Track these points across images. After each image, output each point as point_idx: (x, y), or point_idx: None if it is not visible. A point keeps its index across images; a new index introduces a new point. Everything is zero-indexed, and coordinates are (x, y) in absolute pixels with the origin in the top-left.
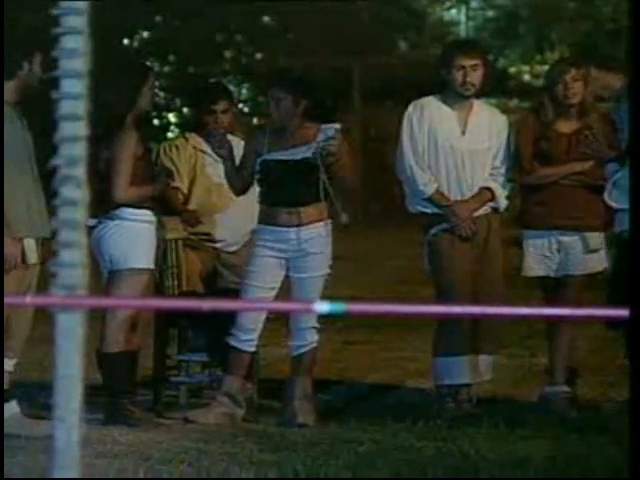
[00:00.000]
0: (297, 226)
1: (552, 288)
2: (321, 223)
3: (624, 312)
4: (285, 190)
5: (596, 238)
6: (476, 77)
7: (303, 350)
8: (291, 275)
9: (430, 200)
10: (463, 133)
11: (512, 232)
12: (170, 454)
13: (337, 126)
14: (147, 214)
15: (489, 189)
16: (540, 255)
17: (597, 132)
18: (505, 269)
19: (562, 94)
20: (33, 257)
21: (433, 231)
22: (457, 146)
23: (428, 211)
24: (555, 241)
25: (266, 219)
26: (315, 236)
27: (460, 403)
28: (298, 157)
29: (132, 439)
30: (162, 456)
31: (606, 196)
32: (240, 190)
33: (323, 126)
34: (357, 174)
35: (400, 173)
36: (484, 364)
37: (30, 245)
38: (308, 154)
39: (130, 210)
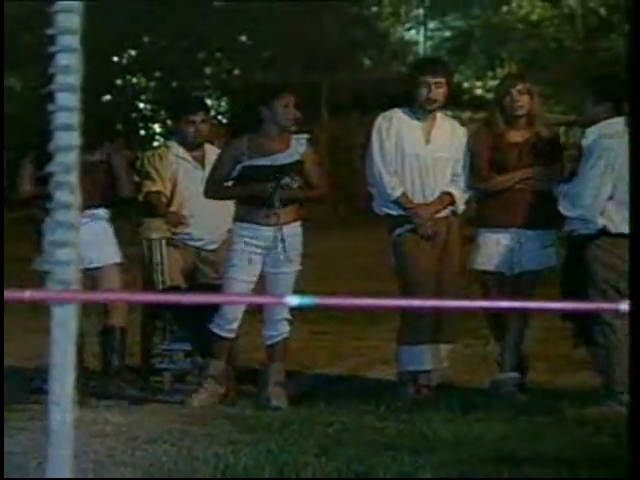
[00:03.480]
0: (275, 225)
1: (496, 285)
2: (296, 223)
3: (581, 305)
4: (266, 192)
5: (547, 235)
6: (439, 93)
7: (276, 340)
8: (267, 270)
9: (396, 203)
10: (427, 142)
11: (470, 232)
12: (155, 434)
13: (306, 136)
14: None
15: (449, 194)
16: (490, 251)
17: (545, 140)
18: (464, 266)
19: (510, 106)
20: None
21: (398, 231)
22: (422, 154)
23: (394, 213)
24: (507, 238)
25: (246, 218)
26: (291, 235)
27: (420, 388)
28: (278, 163)
29: (121, 420)
30: (148, 436)
31: (560, 207)
32: (212, 192)
33: (294, 136)
34: (325, 181)
35: (369, 178)
36: (443, 352)
37: None
38: (286, 160)
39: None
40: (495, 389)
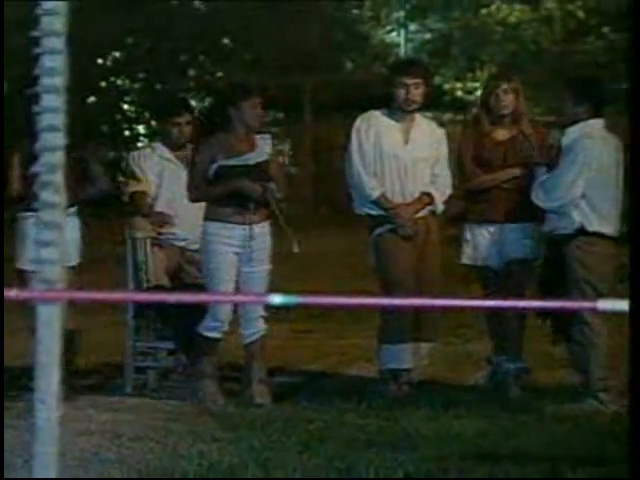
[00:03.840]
0: (248, 224)
1: (491, 279)
2: (266, 222)
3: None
4: (237, 192)
5: (531, 227)
6: (417, 94)
7: (255, 337)
8: (241, 269)
9: (375, 203)
10: (406, 143)
11: (452, 231)
12: (140, 432)
13: (267, 136)
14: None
15: (429, 194)
16: (478, 244)
17: (530, 138)
18: (446, 265)
19: (496, 106)
20: None
21: (378, 231)
22: (401, 155)
23: (374, 213)
24: (489, 232)
25: (220, 217)
26: (262, 234)
27: (400, 386)
28: (251, 162)
29: (106, 418)
30: (133, 434)
31: (533, 196)
32: (196, 195)
33: (258, 136)
34: (285, 181)
35: (349, 178)
36: (423, 351)
37: None
38: (258, 159)
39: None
40: (496, 384)
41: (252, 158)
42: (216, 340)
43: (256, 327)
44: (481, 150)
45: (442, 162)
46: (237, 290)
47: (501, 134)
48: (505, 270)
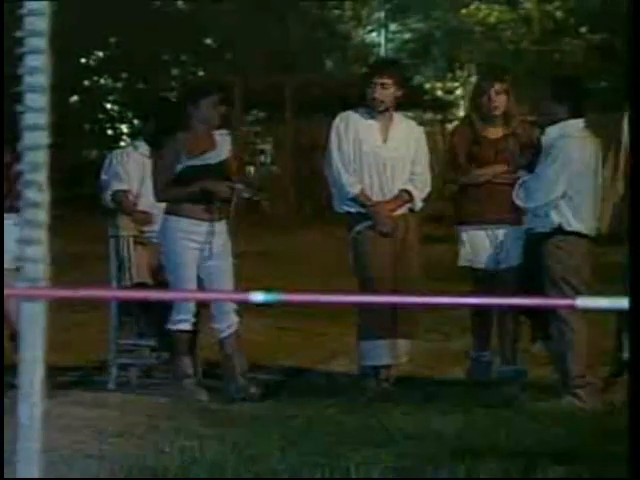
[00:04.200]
0: (212, 221)
1: (484, 280)
2: (225, 220)
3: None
4: (224, 193)
5: (522, 230)
6: (385, 94)
7: (230, 331)
8: (206, 264)
9: (354, 200)
10: (385, 142)
11: (434, 230)
12: (123, 428)
13: (225, 132)
14: None
15: (407, 192)
16: (475, 246)
17: (521, 137)
18: (427, 262)
19: (487, 106)
20: None
21: (357, 229)
22: (380, 153)
23: (353, 211)
24: (487, 234)
25: (185, 212)
26: (222, 231)
27: (380, 382)
28: (213, 161)
29: (89, 415)
30: (116, 430)
31: (514, 196)
32: (164, 196)
33: (217, 133)
34: (241, 173)
35: (328, 177)
36: (402, 347)
37: None
38: (220, 158)
39: None
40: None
41: (214, 157)
42: (187, 333)
43: (229, 321)
44: (474, 148)
45: (421, 161)
46: (199, 286)
47: (493, 133)
48: (502, 276)
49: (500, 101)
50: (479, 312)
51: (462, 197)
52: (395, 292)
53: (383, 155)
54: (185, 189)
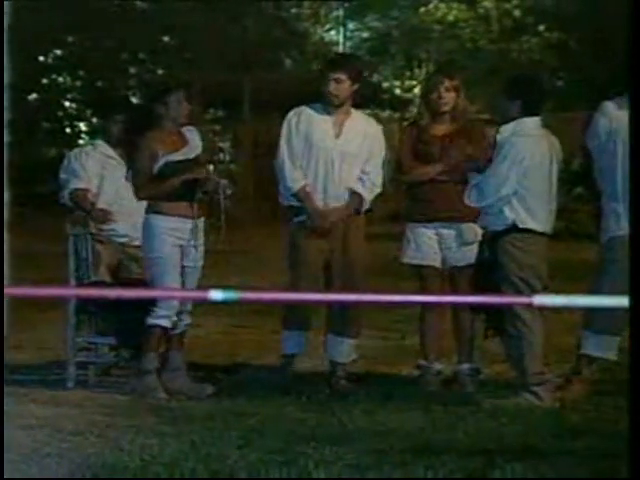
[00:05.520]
0: (193, 218)
1: (431, 278)
2: (202, 217)
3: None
4: (185, 185)
5: (471, 230)
6: (338, 89)
7: (182, 329)
8: (185, 262)
9: (295, 196)
10: (337, 137)
11: (390, 228)
12: (81, 426)
13: (192, 128)
14: None
15: (358, 194)
16: (420, 244)
17: (469, 135)
18: (384, 260)
19: (436, 102)
20: None
21: (294, 221)
22: (330, 148)
23: (294, 204)
24: (434, 233)
25: (168, 210)
26: (202, 228)
27: (337, 380)
28: (192, 156)
29: (47, 413)
30: (74, 428)
31: (466, 197)
32: (145, 192)
33: (184, 129)
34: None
35: (277, 171)
36: (348, 347)
37: None
38: (195, 153)
39: None
40: (450, 380)
41: (189, 152)
42: (162, 329)
43: (186, 320)
44: (419, 145)
45: (374, 159)
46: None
47: (439, 129)
48: (450, 275)
49: (448, 98)
50: (424, 317)
51: (409, 195)
52: (327, 289)
53: (333, 150)
54: (170, 182)
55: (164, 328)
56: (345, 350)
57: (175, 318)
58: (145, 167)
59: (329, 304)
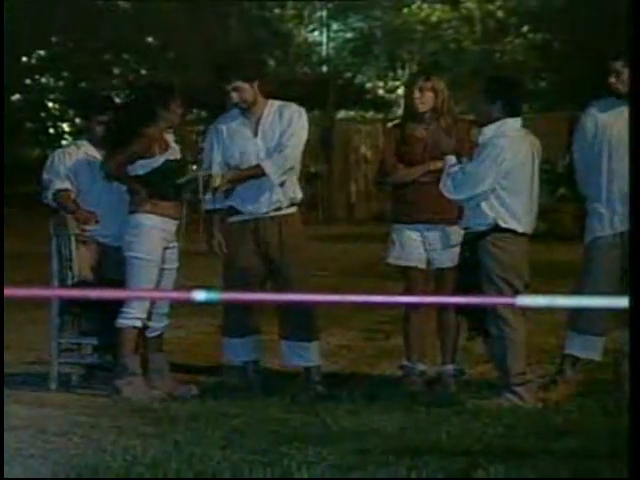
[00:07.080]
0: (178, 219)
1: (417, 278)
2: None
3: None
4: (172, 185)
5: (456, 232)
6: (241, 97)
7: (159, 332)
8: (165, 263)
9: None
10: (255, 136)
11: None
12: (64, 427)
13: (170, 130)
14: None
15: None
16: (405, 245)
17: (450, 134)
18: (368, 261)
19: (413, 103)
20: None
21: (229, 221)
22: (249, 148)
23: (234, 205)
24: (419, 235)
25: (156, 210)
26: (182, 228)
27: (313, 383)
28: (178, 157)
29: (31, 414)
30: (57, 429)
31: (441, 186)
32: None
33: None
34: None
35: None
36: (314, 349)
37: None
38: (177, 155)
39: None
40: (434, 381)
41: (175, 153)
42: (135, 329)
43: (164, 322)
44: (402, 148)
45: (289, 133)
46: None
47: (420, 132)
48: (436, 275)
49: (426, 98)
50: (408, 318)
51: (394, 197)
52: (272, 291)
53: (253, 149)
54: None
55: (137, 328)
56: (307, 355)
57: (145, 317)
58: (140, 159)
59: (281, 309)
